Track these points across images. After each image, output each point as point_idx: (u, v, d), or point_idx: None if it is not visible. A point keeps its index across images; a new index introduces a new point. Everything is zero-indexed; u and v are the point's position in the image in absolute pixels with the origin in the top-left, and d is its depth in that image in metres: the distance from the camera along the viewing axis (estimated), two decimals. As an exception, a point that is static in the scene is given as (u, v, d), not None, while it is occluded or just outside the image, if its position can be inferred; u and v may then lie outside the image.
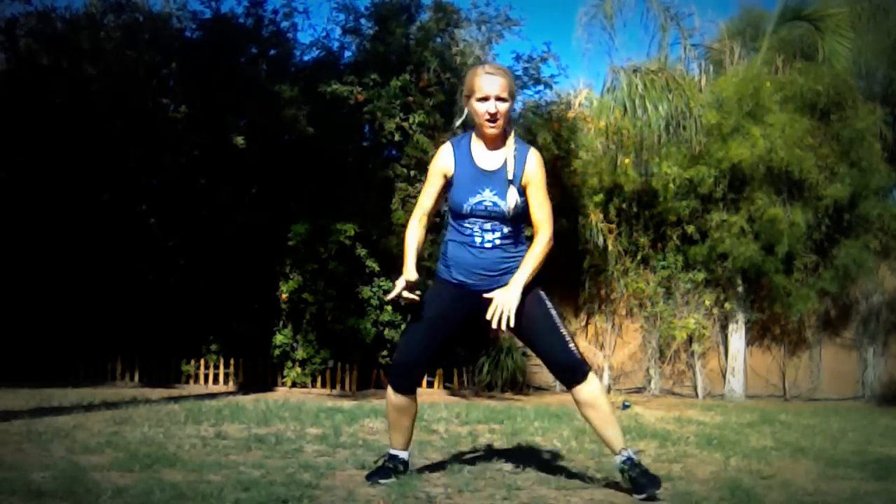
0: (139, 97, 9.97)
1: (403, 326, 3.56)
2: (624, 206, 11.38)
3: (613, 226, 11.33)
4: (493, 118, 3.32)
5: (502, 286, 3.35)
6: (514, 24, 10.49)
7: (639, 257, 11.37)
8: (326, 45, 10.75)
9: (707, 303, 11.21)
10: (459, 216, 3.43)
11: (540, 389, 11.21)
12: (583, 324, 11.85)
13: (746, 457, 4.53)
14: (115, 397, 6.86)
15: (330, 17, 13.22)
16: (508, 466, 3.93)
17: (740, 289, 11.40)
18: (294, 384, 9.85)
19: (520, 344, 11.10)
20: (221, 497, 2.93)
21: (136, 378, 10.08)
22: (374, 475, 3.47)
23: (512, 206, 3.34)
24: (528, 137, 9.95)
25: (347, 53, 10.76)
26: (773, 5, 12.45)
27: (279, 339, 9.71)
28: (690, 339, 11.35)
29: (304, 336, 9.84)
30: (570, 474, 3.77)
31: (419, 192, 10.66)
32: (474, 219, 3.39)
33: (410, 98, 9.66)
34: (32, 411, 5.41)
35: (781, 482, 3.76)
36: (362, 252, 9.48)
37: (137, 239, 9.77)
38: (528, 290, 3.34)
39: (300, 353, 9.84)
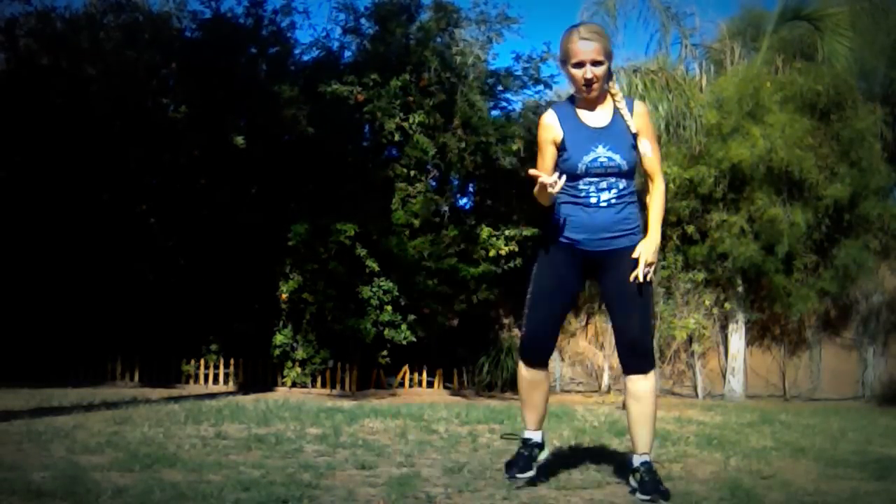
0: (139, 97, 9.98)
1: (527, 299, 3.49)
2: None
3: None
4: (588, 83, 3.30)
5: (617, 248, 3.32)
6: (512, 22, 10.49)
7: (639, 257, 11.37)
8: (326, 45, 10.76)
9: (707, 303, 11.20)
10: (574, 177, 3.36)
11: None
12: (583, 324, 11.85)
13: (746, 457, 4.52)
14: (115, 397, 6.85)
15: (330, 16, 13.23)
16: (508, 466, 3.92)
17: (740, 289, 11.40)
18: (294, 384, 9.85)
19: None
20: (221, 497, 2.93)
21: (136, 378, 10.09)
22: (513, 468, 3.42)
23: (629, 160, 3.32)
24: (529, 138, 9.95)
25: (347, 53, 10.79)
26: (773, 5, 12.45)
27: (279, 339, 9.71)
28: (690, 339, 11.34)
29: (304, 336, 9.85)
30: (570, 474, 3.77)
31: (419, 191, 10.69)
32: (589, 178, 3.34)
33: (410, 98, 9.66)
34: (32, 411, 5.41)
35: (781, 482, 3.76)
36: (362, 252, 9.48)
37: (137, 239, 9.78)
38: (632, 246, 3.32)
39: (300, 353, 9.84)
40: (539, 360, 3.51)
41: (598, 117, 3.40)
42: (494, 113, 10.69)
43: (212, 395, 7.87)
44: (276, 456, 3.97)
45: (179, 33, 10.81)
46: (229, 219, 9.68)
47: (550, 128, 3.45)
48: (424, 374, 10.61)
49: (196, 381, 10.14)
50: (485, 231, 9.98)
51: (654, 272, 3.28)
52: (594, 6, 12.12)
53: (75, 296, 9.74)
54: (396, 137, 9.64)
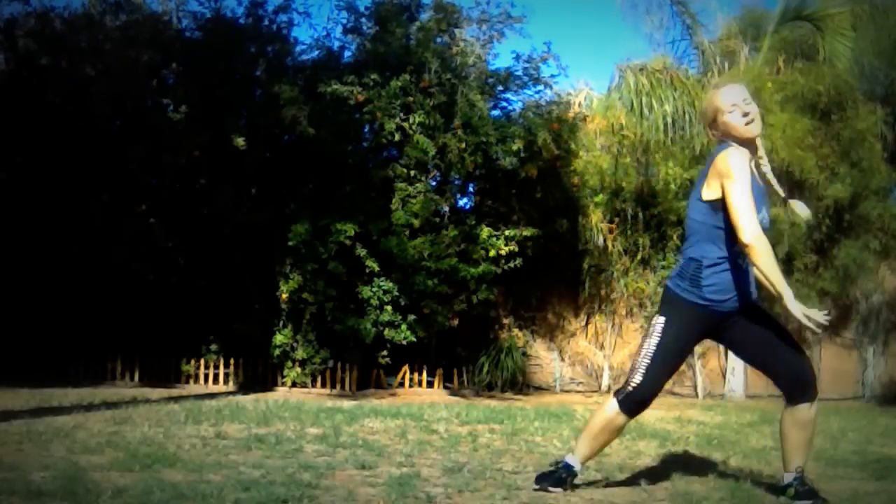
0: (139, 97, 9.98)
1: (648, 349, 3.39)
2: (624, 206, 11.37)
3: (613, 226, 11.33)
4: (753, 119, 3.26)
5: (748, 303, 3.31)
6: (516, 21, 10.47)
7: (639, 257, 11.37)
8: (326, 45, 10.75)
9: (707, 303, 11.19)
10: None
11: (540, 389, 11.22)
12: (583, 324, 11.85)
13: (746, 457, 4.53)
14: (115, 397, 6.85)
15: (330, 16, 13.22)
16: (508, 466, 3.93)
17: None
18: (294, 384, 9.85)
19: (519, 344, 11.13)
20: (221, 497, 2.93)
21: (136, 378, 10.09)
22: (545, 480, 3.41)
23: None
24: (529, 138, 9.96)
25: (347, 53, 10.77)
26: (774, 5, 12.45)
27: (279, 339, 9.71)
28: (690, 339, 11.33)
29: (304, 336, 9.84)
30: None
31: (419, 191, 10.65)
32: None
33: (410, 98, 9.65)
34: (32, 411, 5.41)
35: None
36: (362, 252, 9.47)
37: (137, 239, 9.77)
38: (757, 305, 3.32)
39: (300, 353, 9.83)
40: (639, 412, 3.48)
41: (755, 173, 3.37)
42: (494, 113, 10.68)
43: (212, 395, 7.86)
44: (276, 456, 3.97)
45: (179, 33, 10.80)
46: (229, 219, 9.67)
47: (746, 166, 3.24)
48: (424, 374, 10.60)
49: (196, 381, 10.14)
50: (485, 231, 9.98)
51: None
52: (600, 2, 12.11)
53: (75, 295, 9.74)
54: (396, 137, 9.63)
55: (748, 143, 3.30)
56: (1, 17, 10.45)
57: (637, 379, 3.36)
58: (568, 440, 4.96)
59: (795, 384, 3.35)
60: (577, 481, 3.57)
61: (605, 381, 11.58)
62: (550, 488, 3.37)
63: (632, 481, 3.66)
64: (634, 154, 11.27)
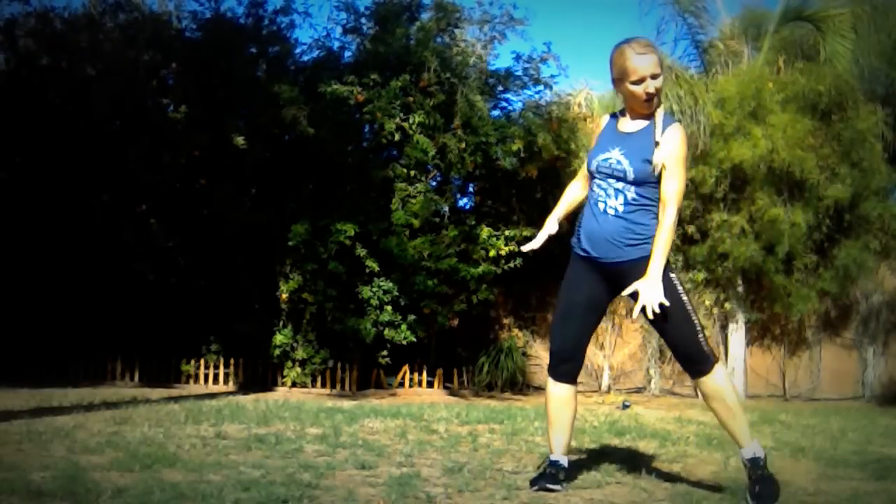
0: (139, 97, 9.97)
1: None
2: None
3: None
4: (650, 97, 3.25)
5: (629, 260, 3.27)
6: (518, 24, 10.48)
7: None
8: (327, 45, 10.75)
9: (707, 303, 11.20)
10: (591, 176, 3.40)
11: (540, 389, 11.19)
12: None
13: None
14: (115, 397, 6.85)
15: (330, 16, 13.20)
16: (508, 466, 3.93)
17: (740, 289, 11.39)
18: (294, 384, 9.85)
19: (519, 344, 11.14)
20: (221, 497, 2.93)
21: (136, 378, 10.09)
22: (540, 480, 3.40)
23: (638, 168, 3.23)
24: (529, 138, 9.96)
25: (347, 53, 10.77)
26: (774, 5, 12.46)
27: (279, 339, 9.71)
28: (691, 339, 11.33)
29: (304, 336, 9.85)
30: (571, 474, 3.77)
31: (419, 191, 10.69)
32: (599, 180, 3.34)
33: (410, 98, 9.65)
34: (32, 411, 5.41)
35: (781, 482, 3.75)
36: (362, 252, 9.47)
37: (137, 239, 9.77)
38: (645, 257, 3.28)
39: (300, 353, 9.84)
40: (564, 373, 3.47)
41: (632, 125, 3.36)
42: (495, 113, 10.69)
43: (212, 395, 7.87)
44: (276, 456, 3.97)
45: (179, 33, 10.80)
46: (229, 219, 9.67)
47: (598, 127, 3.56)
48: (424, 374, 10.61)
49: (196, 381, 10.14)
50: (485, 231, 9.98)
51: (659, 306, 3.18)
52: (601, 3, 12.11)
53: (75, 296, 9.74)
54: (396, 137, 9.63)
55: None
56: (1, 17, 10.47)
57: (550, 343, 3.54)
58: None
59: (684, 362, 3.39)
60: (577, 481, 3.57)
61: (605, 381, 11.58)
62: (550, 486, 3.37)
63: (632, 481, 3.66)
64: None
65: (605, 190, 3.32)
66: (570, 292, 3.44)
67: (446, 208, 10.24)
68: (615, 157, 3.30)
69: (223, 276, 9.94)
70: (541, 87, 10.75)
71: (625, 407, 8.36)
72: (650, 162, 3.23)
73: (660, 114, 3.32)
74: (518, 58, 10.57)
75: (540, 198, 10.69)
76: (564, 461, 3.49)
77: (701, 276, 11.10)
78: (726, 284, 11.31)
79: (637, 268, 3.25)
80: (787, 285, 10.95)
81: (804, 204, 10.90)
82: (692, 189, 10.88)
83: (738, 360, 11.39)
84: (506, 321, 11.59)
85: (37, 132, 9.65)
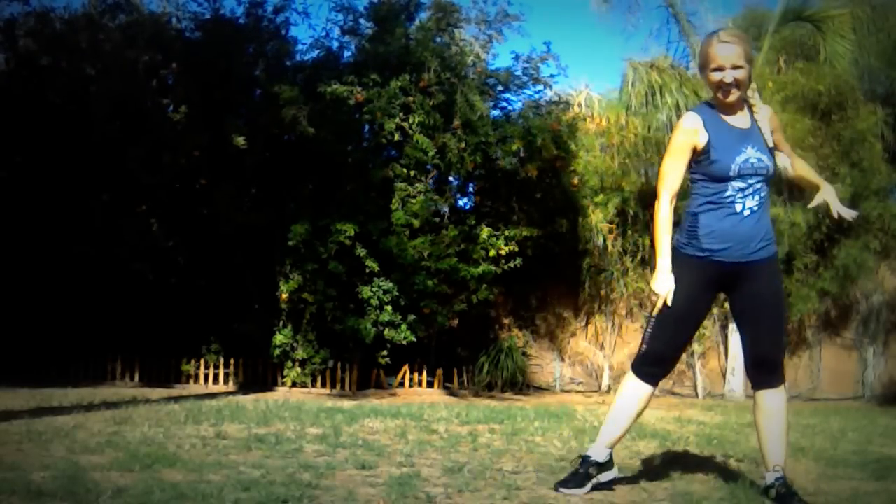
0: (139, 97, 9.97)
1: (654, 313, 3.27)
2: (624, 206, 11.37)
3: (613, 226, 11.33)
4: (727, 87, 3.23)
5: (767, 258, 3.26)
6: (513, 20, 10.46)
7: (639, 257, 11.37)
8: (326, 45, 10.75)
9: (707, 303, 11.19)
10: (721, 180, 3.25)
11: (540, 389, 11.22)
12: (583, 324, 11.85)
13: (746, 457, 4.52)
14: (115, 397, 6.85)
15: (329, 17, 13.20)
16: (508, 466, 3.93)
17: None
18: (294, 384, 9.85)
19: (519, 344, 11.13)
20: (221, 497, 2.92)
21: (136, 378, 10.09)
22: (567, 485, 3.34)
23: (773, 163, 3.30)
24: (528, 138, 9.96)
25: (347, 53, 10.77)
26: (774, 5, 12.46)
27: (279, 339, 9.71)
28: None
29: (304, 336, 9.84)
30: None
31: (419, 191, 10.65)
32: (737, 181, 3.23)
33: (410, 98, 9.65)
34: (32, 411, 5.41)
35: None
36: (362, 252, 9.47)
37: (137, 239, 9.77)
38: (771, 265, 3.29)
39: (300, 353, 9.84)
40: (656, 376, 3.41)
41: (742, 120, 3.34)
42: (494, 113, 10.69)
43: (212, 395, 7.87)
44: (276, 456, 3.97)
45: (179, 33, 10.80)
46: (229, 219, 9.67)
47: (694, 132, 3.28)
48: (424, 374, 10.61)
49: (196, 381, 10.14)
50: (485, 231, 9.98)
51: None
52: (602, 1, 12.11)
53: (76, 295, 9.74)
54: (396, 138, 9.63)
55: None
56: (1, 17, 10.46)
57: (644, 346, 3.38)
58: (568, 440, 4.97)
59: (758, 367, 3.34)
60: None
61: (605, 381, 11.58)
62: (572, 490, 3.32)
63: (632, 481, 3.66)
64: (644, 152, 11.23)
65: (742, 190, 3.24)
66: (691, 298, 3.31)
67: (446, 208, 10.24)
68: (753, 155, 3.26)
69: (223, 276, 9.94)
70: (540, 87, 10.76)
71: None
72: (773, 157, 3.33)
73: (759, 108, 3.36)
74: (517, 58, 10.58)
75: (540, 198, 10.69)
76: (605, 455, 3.42)
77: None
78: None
79: (761, 269, 3.26)
80: (787, 285, 10.94)
81: (804, 204, 10.90)
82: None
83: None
84: (506, 321, 11.60)
85: (37, 132, 9.65)
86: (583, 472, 3.38)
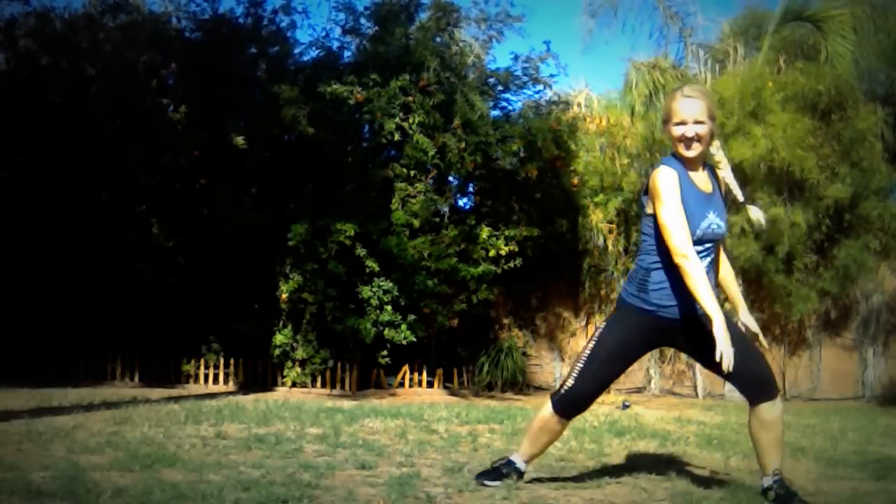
0: (139, 97, 9.97)
1: (585, 353, 3.38)
2: (624, 206, 11.37)
3: (613, 226, 11.33)
4: (689, 142, 3.26)
5: (702, 314, 3.19)
6: (515, 21, 10.46)
7: (639, 257, 11.36)
8: (326, 45, 10.74)
9: (707, 303, 11.18)
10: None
11: (540, 389, 11.21)
12: (583, 324, 11.84)
13: (746, 457, 4.52)
14: (115, 397, 6.85)
15: (330, 16, 13.20)
16: (508, 467, 3.92)
17: (740, 288, 11.39)
18: (294, 384, 9.85)
19: (519, 344, 11.13)
20: (221, 497, 2.93)
21: (136, 378, 10.09)
22: (484, 476, 3.47)
23: (726, 229, 3.35)
24: (528, 138, 9.96)
25: (347, 53, 10.76)
26: (774, 5, 12.46)
27: (279, 339, 9.70)
28: (691, 339, 11.33)
29: (304, 336, 9.84)
30: (570, 474, 3.77)
31: (419, 191, 10.63)
32: (696, 245, 3.24)
33: (410, 98, 9.65)
34: (32, 411, 5.41)
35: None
36: (362, 252, 9.47)
37: (137, 239, 9.77)
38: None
39: (300, 353, 9.83)
40: (574, 415, 3.49)
41: (702, 181, 3.36)
42: (495, 113, 10.69)
43: (212, 395, 7.87)
44: (276, 456, 3.97)
45: (179, 33, 10.79)
46: (229, 219, 9.67)
47: (673, 183, 3.26)
48: (424, 374, 10.60)
49: (196, 381, 10.14)
50: (485, 231, 9.98)
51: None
52: (597, 3, 12.10)
53: (76, 295, 9.74)
54: (396, 137, 9.62)
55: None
56: (1, 16, 10.46)
57: (570, 382, 3.42)
58: (568, 440, 4.97)
59: (754, 385, 3.33)
60: (577, 481, 3.57)
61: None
62: (488, 482, 3.41)
63: (632, 481, 3.66)
64: (646, 152, 11.22)
65: (698, 253, 3.25)
66: (619, 344, 3.37)
67: (446, 208, 10.24)
68: (714, 221, 3.31)
69: (223, 276, 9.94)
70: (540, 87, 10.76)
71: (625, 407, 8.36)
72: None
73: (726, 167, 3.41)
74: (517, 58, 10.58)
75: (540, 198, 10.69)
76: (523, 466, 3.53)
77: (701, 275, 11.09)
78: (726, 284, 11.30)
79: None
80: (787, 285, 10.95)
81: (804, 204, 10.90)
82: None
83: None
84: (506, 321, 11.59)
85: (37, 132, 9.65)
86: (505, 472, 3.48)
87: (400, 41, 9.92)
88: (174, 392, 8.40)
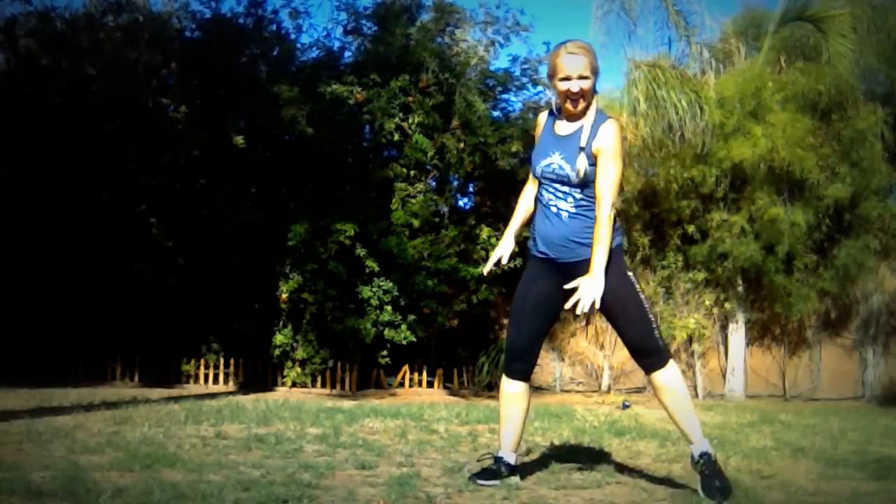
0: (139, 97, 9.98)
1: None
2: (624, 206, 11.36)
3: (613, 225, 11.32)
4: (574, 97, 3.33)
5: (585, 259, 3.30)
6: (523, 30, 10.51)
7: (639, 257, 11.36)
8: (327, 45, 10.76)
9: (707, 303, 11.19)
10: (539, 182, 3.48)
11: (540, 389, 11.21)
12: (583, 324, 11.84)
13: (746, 457, 4.52)
14: (115, 397, 6.85)
15: (331, 17, 13.22)
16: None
17: (740, 289, 11.39)
18: (294, 384, 9.85)
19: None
20: (221, 497, 2.92)
21: (136, 378, 10.09)
22: (478, 476, 3.47)
23: (580, 171, 3.32)
24: (528, 138, 9.96)
25: (348, 54, 10.78)
26: (774, 5, 12.45)
27: (279, 339, 9.71)
28: (690, 339, 11.33)
29: (304, 336, 9.84)
30: (570, 474, 3.77)
31: (419, 191, 10.67)
32: (546, 183, 3.41)
33: (410, 98, 9.66)
34: (32, 411, 5.41)
35: (781, 482, 3.76)
36: (362, 252, 9.48)
37: (137, 239, 9.77)
38: (612, 267, 3.31)
39: (300, 353, 9.84)
40: (518, 370, 3.57)
41: (567, 127, 3.43)
42: (494, 114, 10.70)
43: (212, 395, 7.87)
44: (276, 456, 3.97)
45: (179, 33, 10.81)
46: (229, 219, 9.68)
47: (538, 126, 3.58)
48: (424, 374, 10.61)
49: (196, 381, 10.14)
50: (484, 231, 9.98)
51: (591, 306, 3.25)
52: (609, 3, 12.09)
53: (75, 296, 9.74)
54: (396, 138, 9.64)
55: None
56: (2, 16, 10.47)
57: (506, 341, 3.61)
58: (568, 440, 4.97)
59: (638, 355, 3.44)
60: (577, 481, 3.56)
61: (605, 381, 11.57)
62: (482, 482, 3.42)
63: (632, 481, 3.66)
64: (646, 151, 11.21)
65: (553, 193, 3.40)
66: (526, 291, 3.54)
67: (446, 208, 10.25)
68: (556, 161, 3.38)
69: (223, 276, 9.94)
70: (539, 88, 10.78)
71: (625, 407, 8.36)
72: (593, 166, 3.33)
73: (590, 115, 3.40)
74: (515, 59, 10.63)
75: (540, 198, 10.69)
76: (512, 458, 3.55)
77: (701, 276, 11.10)
78: (726, 284, 11.30)
79: (582, 269, 3.32)
80: (787, 285, 10.94)
81: (804, 203, 10.89)
82: (692, 189, 10.89)
83: (738, 360, 11.38)
84: (506, 321, 11.56)
85: (37, 132, 9.65)
86: (495, 468, 3.51)
87: (400, 41, 9.93)
88: (174, 392, 8.40)
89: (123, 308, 9.80)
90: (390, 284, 9.54)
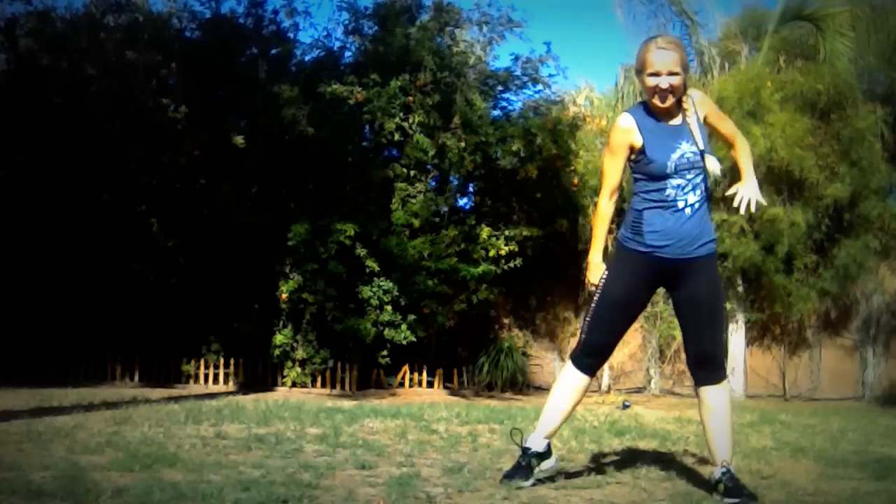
0: (139, 97, 9.97)
1: (593, 305, 3.38)
2: (624, 206, 11.37)
3: (613, 226, 11.32)
4: (664, 93, 3.27)
5: (699, 257, 3.30)
6: (515, 26, 10.49)
7: (639, 257, 11.37)
8: (327, 45, 10.76)
9: (707, 302, 11.19)
10: (660, 178, 3.31)
11: (540, 389, 11.21)
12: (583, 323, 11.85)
13: (746, 457, 4.52)
14: (115, 397, 6.85)
15: (331, 16, 13.21)
16: (508, 466, 3.92)
17: (740, 289, 11.39)
18: (294, 384, 9.85)
19: (519, 344, 11.13)
20: (221, 497, 2.92)
21: (136, 378, 10.10)
22: (510, 477, 3.39)
23: (707, 150, 3.32)
24: (528, 138, 9.96)
25: (348, 54, 10.78)
26: (774, 5, 12.45)
27: (279, 339, 9.71)
28: (691, 340, 11.33)
29: (304, 336, 9.85)
30: (570, 474, 3.77)
31: (419, 191, 10.66)
32: (676, 178, 3.29)
33: (410, 98, 9.66)
34: (32, 411, 5.41)
35: (781, 482, 3.76)
36: (362, 252, 9.48)
37: (137, 239, 9.77)
38: (709, 272, 3.34)
39: (300, 353, 9.84)
40: (591, 367, 3.49)
41: (672, 117, 3.38)
42: (495, 113, 10.70)
43: (212, 395, 7.87)
44: (276, 456, 3.97)
45: (179, 33, 10.80)
46: (229, 219, 9.68)
47: (629, 132, 3.35)
48: (424, 374, 10.61)
49: (196, 381, 10.14)
50: (485, 231, 9.98)
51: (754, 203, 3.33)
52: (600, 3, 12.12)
53: (75, 295, 9.75)
54: (396, 137, 9.64)
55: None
56: (2, 16, 10.47)
57: (584, 336, 3.48)
58: (568, 440, 4.96)
59: (699, 364, 3.39)
60: (576, 481, 3.57)
61: (605, 381, 11.58)
62: (520, 482, 3.35)
63: (632, 481, 3.66)
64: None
65: (682, 188, 3.30)
66: (625, 289, 3.41)
67: (446, 208, 10.25)
68: (687, 150, 3.30)
69: (223, 276, 9.94)
70: (540, 87, 10.77)
71: (625, 407, 8.35)
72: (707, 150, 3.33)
73: (692, 111, 3.36)
74: (516, 59, 10.61)
75: (540, 198, 10.69)
76: (542, 444, 3.48)
77: (701, 275, 11.09)
78: (726, 284, 11.29)
79: (702, 267, 3.33)
80: (787, 285, 10.94)
81: (804, 203, 10.90)
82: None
83: (738, 360, 11.39)
84: (506, 321, 11.59)
85: (37, 132, 9.66)
86: (525, 464, 3.44)
87: (400, 41, 9.93)
88: (174, 392, 8.40)
89: (124, 308, 9.81)
90: (390, 284, 9.54)
